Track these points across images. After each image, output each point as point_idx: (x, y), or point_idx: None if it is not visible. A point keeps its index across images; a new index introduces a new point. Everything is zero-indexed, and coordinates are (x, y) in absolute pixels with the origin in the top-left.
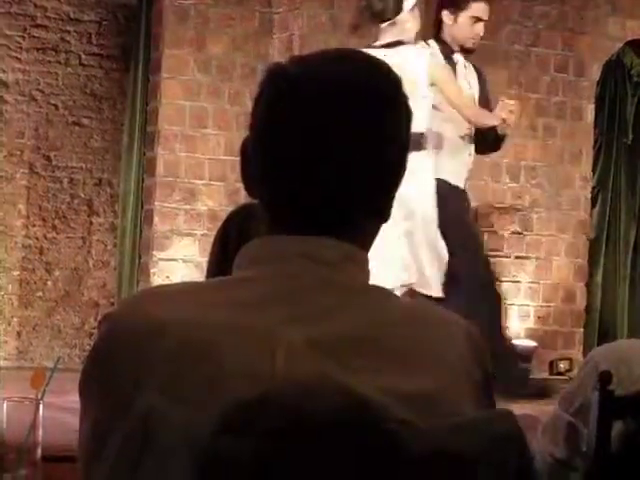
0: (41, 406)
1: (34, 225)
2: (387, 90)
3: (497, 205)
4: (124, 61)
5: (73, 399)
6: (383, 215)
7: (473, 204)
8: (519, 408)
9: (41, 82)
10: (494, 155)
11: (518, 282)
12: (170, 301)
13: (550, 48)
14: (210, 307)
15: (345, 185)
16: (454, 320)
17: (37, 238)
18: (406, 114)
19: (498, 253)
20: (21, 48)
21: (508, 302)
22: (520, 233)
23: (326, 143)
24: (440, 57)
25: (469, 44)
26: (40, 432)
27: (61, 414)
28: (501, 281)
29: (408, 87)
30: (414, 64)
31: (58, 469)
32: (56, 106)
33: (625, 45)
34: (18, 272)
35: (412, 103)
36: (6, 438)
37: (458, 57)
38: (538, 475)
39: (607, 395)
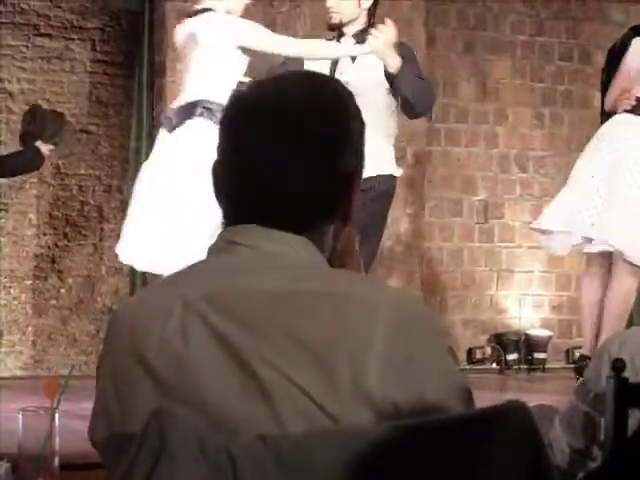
0: (57, 415)
1: (45, 234)
2: (331, 105)
3: (507, 196)
4: (129, 67)
5: (90, 407)
6: (336, 218)
7: (483, 196)
8: (536, 399)
9: (47, 91)
10: (502, 146)
11: (531, 272)
12: (147, 293)
13: (554, 37)
14: (155, 293)
15: (291, 192)
16: (378, 300)
17: (49, 247)
18: (353, 127)
19: (509, 244)
20: (25, 57)
21: (522, 292)
22: (531, 223)
23: (271, 156)
24: None
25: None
26: (57, 441)
27: (78, 422)
28: (514, 271)
29: None
30: None
31: (76, 477)
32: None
33: (629, 31)
34: (31, 281)
35: None
36: (23, 448)
37: None
38: (554, 466)
39: (622, 383)
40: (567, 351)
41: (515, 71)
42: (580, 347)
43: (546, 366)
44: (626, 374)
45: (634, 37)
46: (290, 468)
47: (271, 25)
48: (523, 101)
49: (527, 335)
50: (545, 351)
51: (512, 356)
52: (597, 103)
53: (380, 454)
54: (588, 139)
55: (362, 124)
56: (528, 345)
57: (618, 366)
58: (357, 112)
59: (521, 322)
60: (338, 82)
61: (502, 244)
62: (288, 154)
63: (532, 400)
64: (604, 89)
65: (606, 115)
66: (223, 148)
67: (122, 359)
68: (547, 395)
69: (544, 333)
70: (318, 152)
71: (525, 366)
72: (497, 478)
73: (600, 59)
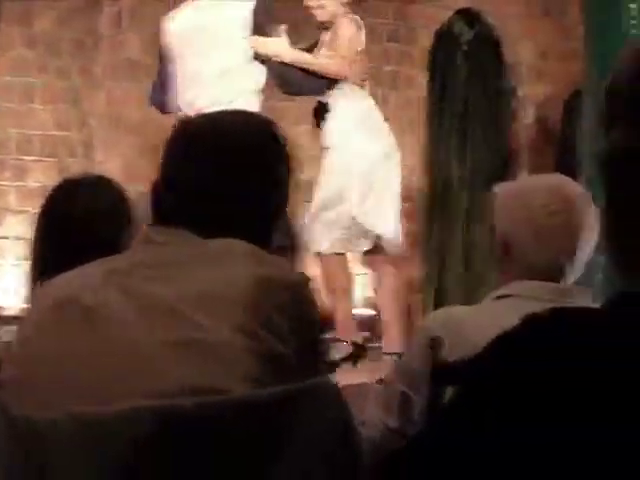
0: None
1: None
2: (260, 142)
3: None
4: None
5: None
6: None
7: (310, 176)
8: (356, 377)
9: None
10: None
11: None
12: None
13: (381, 17)
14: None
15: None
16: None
17: None
18: (281, 169)
19: None
20: None
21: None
22: None
23: (207, 183)
24: None
25: None
26: None
27: None
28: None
29: None
30: None
31: None
32: None
33: (455, 14)
34: None
35: None
36: None
37: None
38: (368, 443)
39: (437, 363)
40: None
41: None
42: None
43: (368, 345)
44: (442, 354)
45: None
46: (97, 443)
47: None
48: None
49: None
50: (371, 330)
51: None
52: (422, 85)
53: (187, 429)
54: (412, 121)
55: (290, 168)
56: None
57: (434, 345)
58: (288, 156)
59: None
60: (275, 127)
61: None
62: (221, 184)
63: (352, 379)
64: (431, 70)
65: None
66: (166, 169)
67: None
68: (366, 374)
69: (368, 312)
70: (248, 186)
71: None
72: (304, 452)
73: (427, 41)
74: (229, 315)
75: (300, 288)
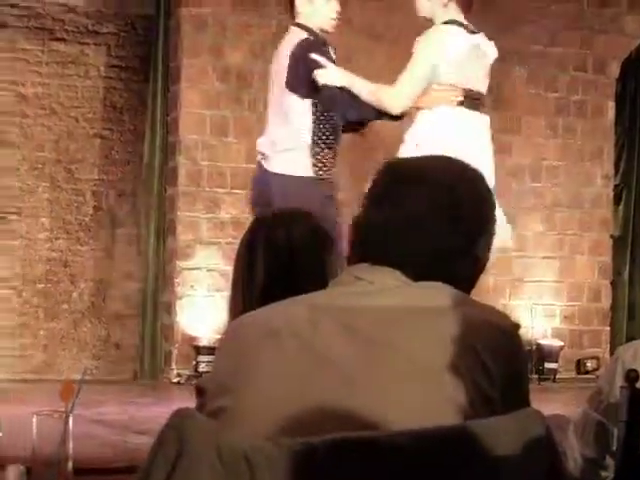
0: (71, 419)
1: (58, 238)
2: (477, 189)
3: (519, 206)
4: (143, 72)
5: (102, 410)
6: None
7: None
8: (547, 409)
9: (61, 95)
10: (515, 156)
11: (543, 282)
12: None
13: (569, 47)
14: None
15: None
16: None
17: (61, 250)
18: (491, 212)
19: (523, 254)
20: (40, 62)
21: (534, 302)
22: (543, 233)
23: (408, 219)
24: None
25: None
26: (71, 445)
27: (91, 426)
28: (526, 281)
29: None
30: None
31: None
32: (76, 119)
33: None
34: (43, 285)
35: None
36: (37, 452)
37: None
38: (568, 475)
39: (635, 393)
40: (578, 361)
41: (530, 80)
42: (591, 357)
43: (557, 376)
44: (638, 384)
45: None
46: (303, 474)
47: (286, 32)
48: (536, 111)
49: (538, 345)
50: (557, 361)
51: None
52: (610, 113)
53: (395, 459)
54: (601, 149)
55: (495, 220)
56: (539, 355)
57: (631, 376)
58: (495, 208)
59: (533, 332)
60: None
61: (515, 254)
62: (437, 228)
63: (543, 410)
64: (619, 100)
65: None
66: (377, 207)
67: (250, 341)
68: (558, 405)
69: (556, 343)
70: (464, 233)
71: (536, 376)
72: None
73: (615, 70)
74: (445, 355)
75: (515, 334)
